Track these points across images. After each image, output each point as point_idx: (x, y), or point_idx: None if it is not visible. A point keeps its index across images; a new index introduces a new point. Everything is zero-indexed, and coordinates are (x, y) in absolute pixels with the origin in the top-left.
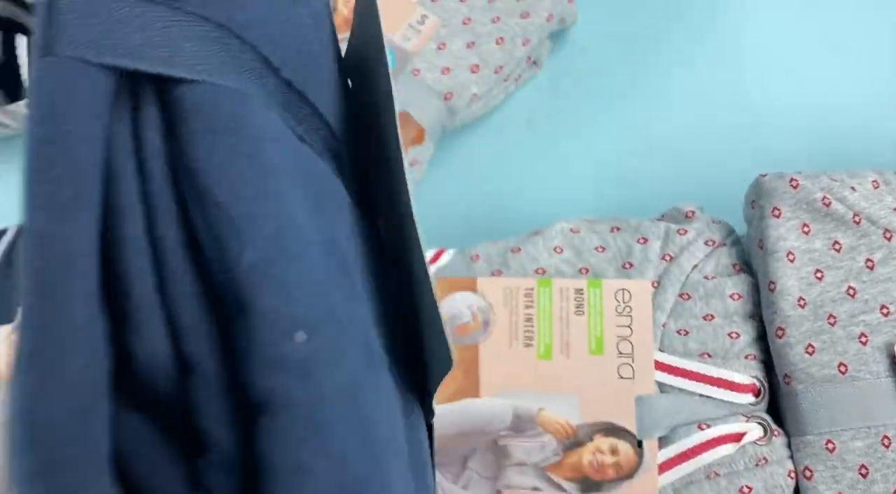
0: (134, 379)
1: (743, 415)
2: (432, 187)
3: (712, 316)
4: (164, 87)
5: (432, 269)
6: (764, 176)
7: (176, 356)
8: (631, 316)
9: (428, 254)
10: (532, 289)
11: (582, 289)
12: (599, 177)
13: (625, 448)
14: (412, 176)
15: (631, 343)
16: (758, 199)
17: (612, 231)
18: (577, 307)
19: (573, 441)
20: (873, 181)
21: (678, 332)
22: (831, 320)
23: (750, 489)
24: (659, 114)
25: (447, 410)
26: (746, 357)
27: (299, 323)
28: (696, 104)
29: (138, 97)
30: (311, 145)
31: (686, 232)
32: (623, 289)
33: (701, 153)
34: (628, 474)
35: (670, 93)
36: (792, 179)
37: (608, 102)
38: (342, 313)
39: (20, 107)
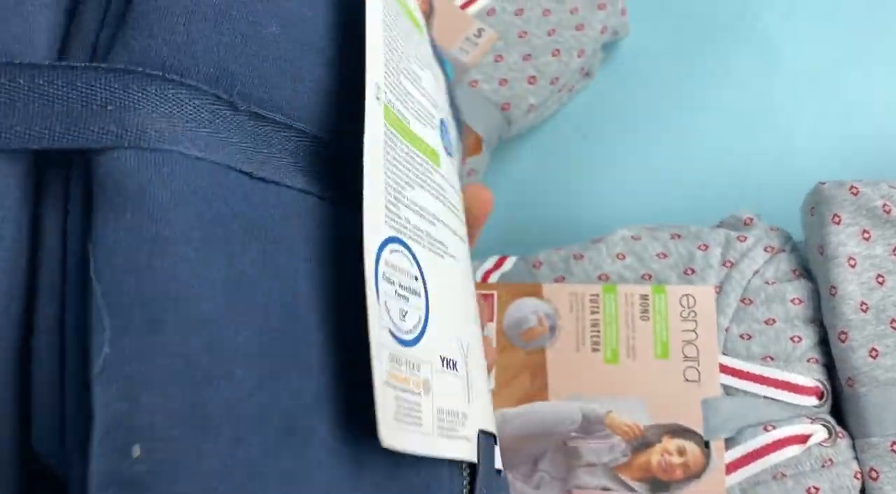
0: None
1: (807, 417)
2: (493, 195)
3: (774, 321)
4: (88, 160)
5: (496, 276)
6: (823, 183)
7: (62, 455)
8: (696, 320)
9: (491, 261)
10: (597, 295)
11: (647, 295)
12: (653, 185)
13: (692, 448)
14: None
15: (696, 346)
16: (817, 206)
17: (672, 238)
18: (643, 312)
19: (641, 442)
20: None
21: (741, 336)
22: (894, 324)
23: (817, 489)
24: (710, 123)
25: (516, 413)
26: (808, 360)
27: (137, 434)
28: (747, 113)
29: (69, 170)
30: (277, 168)
31: (746, 238)
32: (687, 295)
33: (753, 161)
34: (696, 474)
35: (721, 103)
36: (852, 186)
37: (660, 112)
38: (229, 398)
39: None
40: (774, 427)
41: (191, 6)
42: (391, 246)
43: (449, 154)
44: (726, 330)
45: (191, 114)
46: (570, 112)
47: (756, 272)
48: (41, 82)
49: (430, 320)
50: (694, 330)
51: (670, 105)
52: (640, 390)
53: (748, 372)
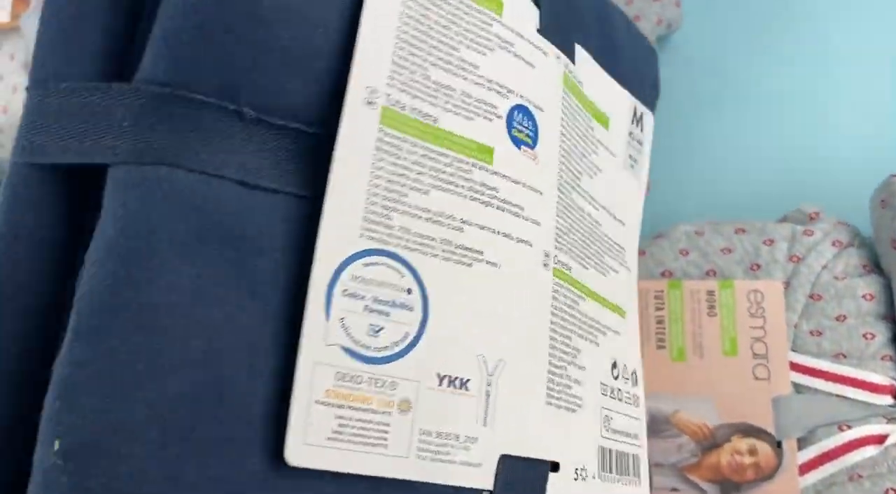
0: None
1: (883, 417)
2: None
3: (845, 317)
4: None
5: None
6: (894, 176)
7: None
8: (764, 316)
9: None
10: (662, 291)
11: (713, 291)
12: (711, 180)
13: (764, 448)
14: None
15: (765, 343)
16: (889, 199)
17: (736, 233)
18: (710, 308)
19: (710, 442)
20: None
21: (811, 333)
22: None
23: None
24: (767, 114)
25: None
26: (882, 357)
27: (62, 432)
28: (806, 104)
29: (101, 181)
30: (273, 175)
31: (812, 233)
32: (755, 290)
33: (814, 154)
34: (768, 475)
35: (779, 94)
36: None
37: (715, 104)
38: (160, 405)
39: None
40: (850, 427)
41: (202, 25)
42: (367, 259)
43: (525, 144)
44: (795, 327)
45: (197, 129)
46: None
47: (824, 267)
48: (61, 101)
49: (425, 335)
50: (762, 327)
51: (726, 97)
52: (708, 388)
53: (820, 370)
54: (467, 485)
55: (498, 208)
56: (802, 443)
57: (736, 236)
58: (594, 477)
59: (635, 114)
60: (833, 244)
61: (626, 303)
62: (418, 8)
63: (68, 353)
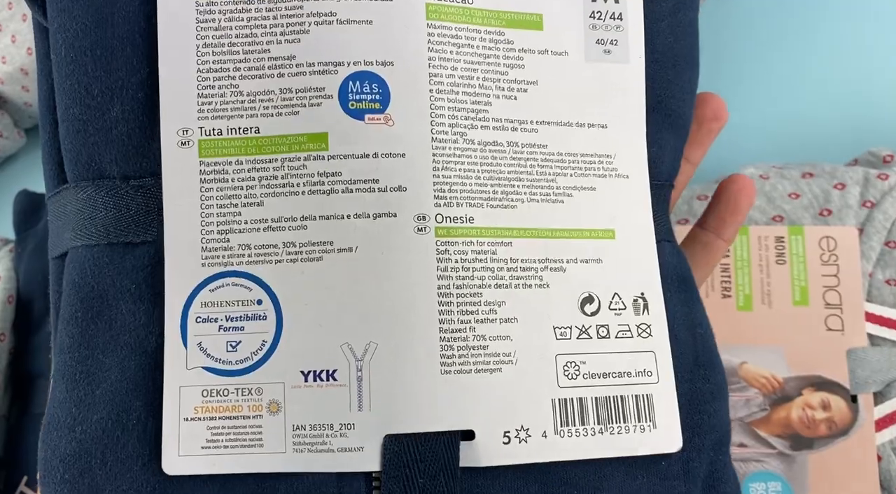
0: None
1: None
2: None
3: None
4: None
5: None
6: None
7: None
8: (837, 265)
9: None
10: None
11: (783, 237)
12: (777, 120)
13: (837, 403)
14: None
15: (838, 293)
16: None
17: (804, 177)
18: (778, 255)
19: (780, 395)
20: None
21: (887, 282)
22: None
23: None
24: (832, 53)
25: None
26: None
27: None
28: (873, 43)
29: None
30: (109, 229)
31: (887, 176)
32: (828, 237)
33: (883, 94)
34: (842, 431)
35: (844, 32)
36: None
37: (781, 41)
38: None
39: None
40: None
41: (63, 131)
42: (212, 284)
43: (370, 112)
44: (870, 276)
45: (76, 210)
46: None
47: None
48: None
49: (282, 338)
50: (836, 275)
51: (790, 32)
52: (777, 339)
53: None
54: (350, 470)
55: (344, 191)
56: (879, 398)
57: (803, 180)
58: (545, 436)
59: None
60: None
61: (616, 221)
62: (216, 31)
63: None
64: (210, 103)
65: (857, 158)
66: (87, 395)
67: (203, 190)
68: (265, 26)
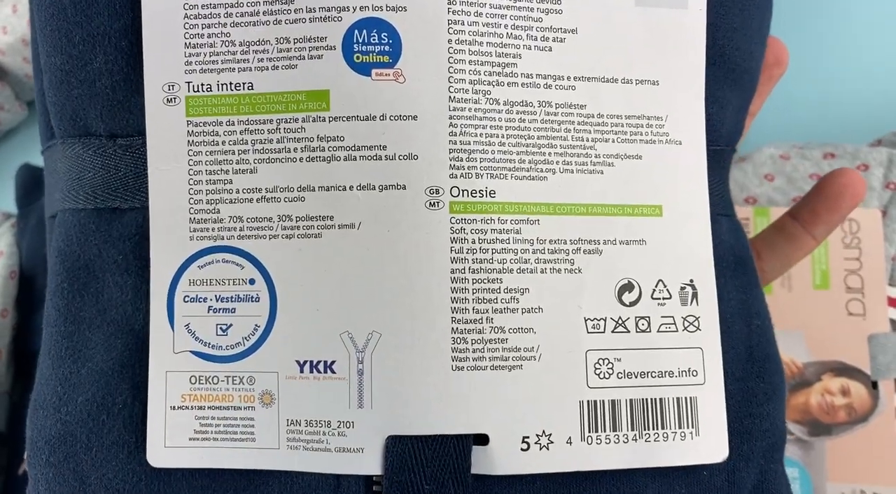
0: None
1: None
2: None
3: None
4: None
5: None
6: None
7: None
8: (860, 248)
9: None
10: (748, 219)
11: None
12: (799, 99)
13: (857, 389)
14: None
15: (860, 277)
16: None
17: (825, 157)
18: None
19: (799, 380)
20: None
21: None
22: None
23: None
24: (857, 31)
25: None
26: None
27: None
28: (892, 21)
29: None
30: (99, 193)
31: None
32: (850, 219)
33: None
34: (862, 417)
35: (869, 10)
36: None
37: (803, 18)
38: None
39: None
40: None
41: (47, 85)
42: (201, 260)
43: (378, 66)
44: (893, 260)
45: (65, 169)
46: None
47: None
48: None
49: (276, 323)
50: (858, 259)
51: (811, 13)
52: (797, 323)
53: None
54: (348, 472)
55: (346, 159)
56: None
57: (825, 161)
58: (569, 443)
59: None
60: None
61: (664, 195)
62: None
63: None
64: (199, 54)
65: (880, 139)
66: (72, 374)
67: (191, 153)
68: None
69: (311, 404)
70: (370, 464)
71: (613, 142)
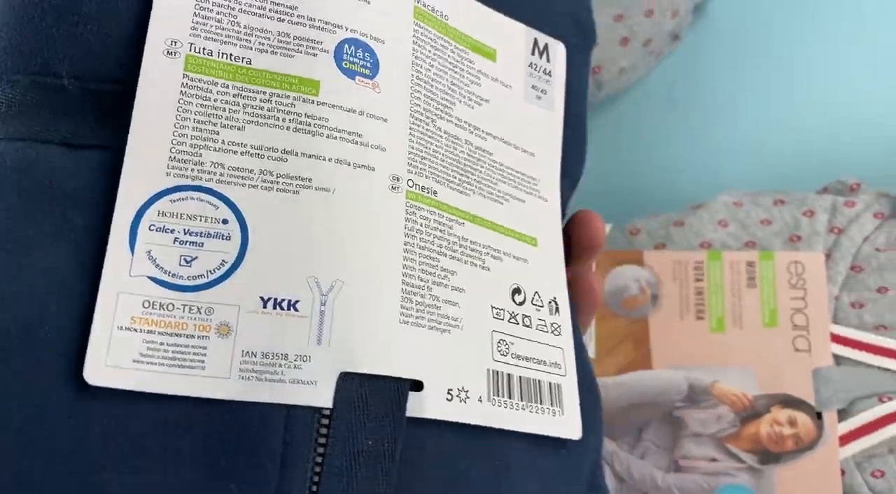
0: None
1: None
2: None
3: (886, 289)
4: None
5: None
6: None
7: None
8: (805, 288)
9: None
10: (702, 262)
11: (753, 262)
12: (749, 149)
13: (804, 419)
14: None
15: (806, 315)
16: None
17: (776, 204)
18: (749, 279)
19: (750, 412)
20: None
21: (852, 305)
22: None
23: None
24: (805, 85)
25: (620, 382)
26: None
27: None
28: (843, 74)
29: None
30: (83, 131)
31: (854, 204)
32: (796, 262)
33: (854, 125)
34: (808, 446)
35: (816, 64)
36: None
37: (751, 74)
38: None
39: None
40: (890, 399)
41: (19, 9)
42: (174, 195)
43: (361, 75)
44: (836, 299)
45: (11, 105)
46: (662, 75)
47: (866, 239)
48: None
49: (245, 261)
50: (803, 298)
51: (762, 67)
52: (747, 359)
53: (861, 342)
54: (300, 403)
55: (328, 137)
56: (842, 415)
57: (775, 207)
58: (480, 401)
59: (536, 45)
60: (875, 215)
61: (538, 232)
62: None
63: None
64: (205, 24)
65: (826, 186)
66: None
67: (181, 102)
68: None
69: (269, 338)
70: (322, 397)
71: (508, 185)
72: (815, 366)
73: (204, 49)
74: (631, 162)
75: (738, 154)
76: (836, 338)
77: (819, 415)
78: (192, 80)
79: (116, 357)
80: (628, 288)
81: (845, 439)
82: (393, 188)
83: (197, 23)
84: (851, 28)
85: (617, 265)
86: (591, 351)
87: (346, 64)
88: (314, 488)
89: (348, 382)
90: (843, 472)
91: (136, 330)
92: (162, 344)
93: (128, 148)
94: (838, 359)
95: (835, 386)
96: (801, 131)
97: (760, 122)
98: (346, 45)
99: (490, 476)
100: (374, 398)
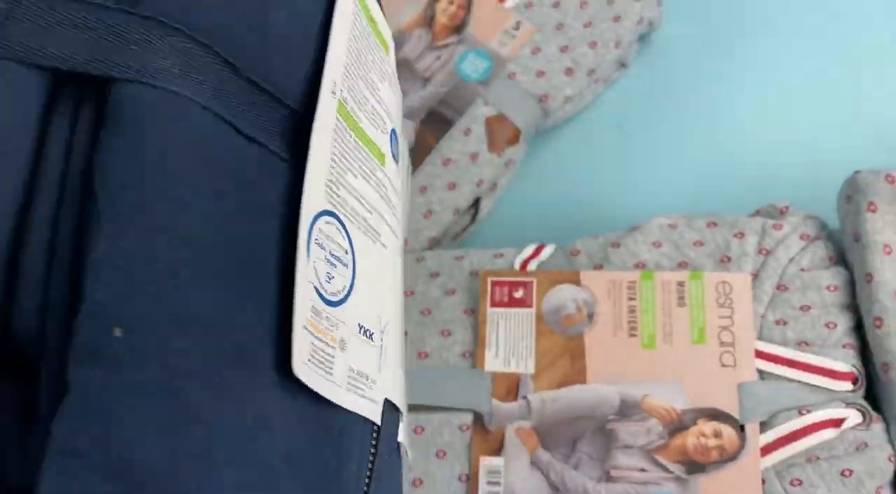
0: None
1: (842, 402)
2: (530, 185)
3: (809, 307)
4: (104, 86)
5: (534, 264)
6: (859, 172)
7: (41, 331)
8: (732, 307)
9: (529, 250)
10: (635, 282)
11: (683, 282)
12: (688, 175)
13: (728, 432)
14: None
15: (732, 332)
16: (853, 195)
17: (708, 226)
18: (680, 298)
19: (678, 425)
20: None
21: (776, 322)
22: None
23: (851, 472)
24: (744, 112)
25: (556, 396)
26: (843, 346)
27: (121, 318)
28: (781, 103)
29: (82, 93)
30: (263, 131)
31: (781, 227)
32: (724, 282)
33: (788, 151)
34: (732, 456)
35: (755, 92)
36: (888, 175)
37: (693, 101)
38: (198, 311)
39: None
40: (809, 411)
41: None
42: (326, 217)
43: (395, 160)
44: (762, 317)
45: (199, 68)
46: (607, 102)
47: (792, 259)
48: (76, 14)
49: (354, 289)
50: (730, 317)
51: (704, 95)
52: (676, 374)
53: (784, 357)
54: (371, 418)
55: (387, 203)
56: (764, 427)
57: (708, 230)
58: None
59: None
60: (801, 237)
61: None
62: (358, 29)
63: (116, 250)
64: (349, 78)
65: (758, 210)
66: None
67: (334, 139)
68: (375, 55)
69: (363, 358)
70: (378, 415)
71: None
72: (740, 381)
73: (346, 99)
74: (577, 185)
75: (678, 179)
76: (761, 354)
77: (742, 428)
78: (339, 121)
79: (300, 355)
80: (566, 306)
81: (766, 449)
82: (400, 255)
83: (345, 74)
84: (791, 57)
85: (556, 285)
86: (531, 367)
87: (392, 147)
88: (365, 489)
89: (387, 407)
90: (763, 481)
91: (308, 332)
92: (317, 347)
93: (309, 165)
94: (762, 374)
95: (757, 400)
96: (737, 156)
97: (700, 149)
98: (393, 132)
99: None
100: (390, 421)
